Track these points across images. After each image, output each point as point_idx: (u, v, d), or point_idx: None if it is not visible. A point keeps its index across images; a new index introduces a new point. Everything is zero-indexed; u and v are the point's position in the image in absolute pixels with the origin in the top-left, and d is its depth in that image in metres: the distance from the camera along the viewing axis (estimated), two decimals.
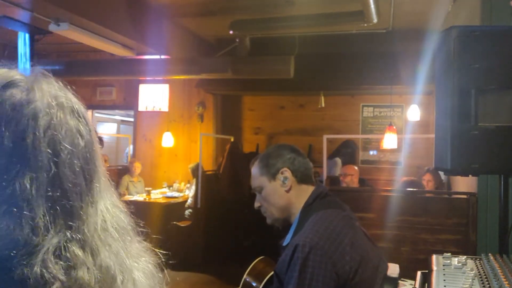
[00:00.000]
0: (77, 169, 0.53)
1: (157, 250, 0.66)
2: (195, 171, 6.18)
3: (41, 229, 0.49)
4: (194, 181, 6.19)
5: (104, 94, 7.75)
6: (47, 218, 0.50)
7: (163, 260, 0.67)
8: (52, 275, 0.48)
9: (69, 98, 0.58)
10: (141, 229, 0.65)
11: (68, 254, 0.50)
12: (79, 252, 0.51)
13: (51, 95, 0.55)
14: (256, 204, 1.71)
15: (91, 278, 0.50)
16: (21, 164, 0.50)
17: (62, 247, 0.50)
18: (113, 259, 0.54)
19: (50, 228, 0.50)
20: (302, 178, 1.65)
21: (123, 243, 0.57)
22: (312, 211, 1.56)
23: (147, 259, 0.62)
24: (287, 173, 1.63)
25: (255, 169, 1.68)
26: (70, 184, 0.52)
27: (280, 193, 1.63)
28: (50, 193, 0.50)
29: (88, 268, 0.51)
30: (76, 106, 0.57)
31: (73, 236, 0.51)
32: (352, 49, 6.20)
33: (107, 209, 0.57)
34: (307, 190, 1.64)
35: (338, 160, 6.68)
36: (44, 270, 0.48)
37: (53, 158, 0.51)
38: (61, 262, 0.49)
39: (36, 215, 0.49)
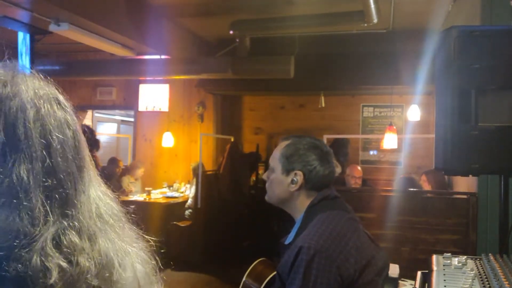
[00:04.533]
0: (70, 158, 0.54)
1: (152, 250, 0.66)
2: (196, 170, 6.18)
3: (39, 218, 0.50)
4: (194, 180, 6.19)
5: (104, 94, 7.75)
6: (45, 207, 0.50)
7: (161, 259, 0.67)
8: (52, 262, 0.48)
9: (52, 90, 0.58)
10: (138, 228, 0.66)
11: (66, 242, 0.51)
12: (76, 239, 0.51)
13: (35, 87, 0.56)
14: (264, 176, 1.71)
15: (91, 263, 0.51)
16: (15, 156, 0.51)
17: (61, 235, 0.50)
18: (109, 244, 0.55)
19: (47, 217, 0.50)
20: (314, 186, 1.61)
21: (117, 229, 0.58)
22: (317, 211, 1.55)
23: (140, 245, 0.63)
24: (300, 178, 1.60)
25: (278, 151, 1.66)
26: (64, 173, 0.53)
27: (285, 188, 1.62)
28: (46, 183, 0.51)
29: (87, 254, 0.52)
30: (61, 98, 0.58)
31: (70, 224, 0.52)
32: (352, 49, 6.20)
33: (99, 197, 0.58)
34: (315, 194, 1.62)
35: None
36: (44, 258, 0.48)
37: (46, 148, 0.52)
38: (60, 250, 0.50)
39: (34, 205, 0.50)
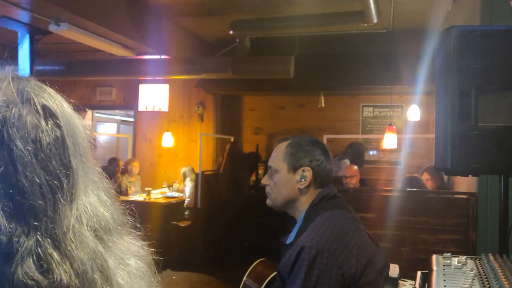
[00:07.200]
0: (37, 168, 0.50)
1: (152, 249, 0.64)
2: (185, 174, 6.27)
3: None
4: (185, 182, 6.26)
5: (104, 94, 7.75)
6: (3, 218, 0.47)
7: (161, 259, 0.65)
8: (30, 277, 0.46)
9: (41, 95, 0.54)
10: (138, 229, 0.63)
11: (42, 257, 0.47)
12: (54, 254, 0.48)
13: (12, 91, 0.52)
14: (264, 181, 1.68)
15: (70, 280, 0.48)
16: None
17: (34, 249, 0.47)
18: (91, 260, 0.51)
19: (11, 229, 0.47)
20: (320, 183, 1.61)
21: (104, 243, 0.55)
22: (318, 211, 1.55)
23: (137, 259, 0.59)
24: (309, 173, 1.59)
25: (280, 151, 1.63)
26: (27, 182, 0.49)
27: (292, 187, 1.60)
28: (2, 191, 0.48)
29: (65, 271, 0.48)
30: (46, 102, 0.54)
31: (44, 237, 0.48)
32: (352, 49, 6.20)
33: (85, 208, 0.54)
34: (317, 191, 1.62)
35: (347, 162, 6.67)
36: (20, 274, 0.46)
37: (5, 155, 0.48)
38: (36, 265, 0.47)
39: None
